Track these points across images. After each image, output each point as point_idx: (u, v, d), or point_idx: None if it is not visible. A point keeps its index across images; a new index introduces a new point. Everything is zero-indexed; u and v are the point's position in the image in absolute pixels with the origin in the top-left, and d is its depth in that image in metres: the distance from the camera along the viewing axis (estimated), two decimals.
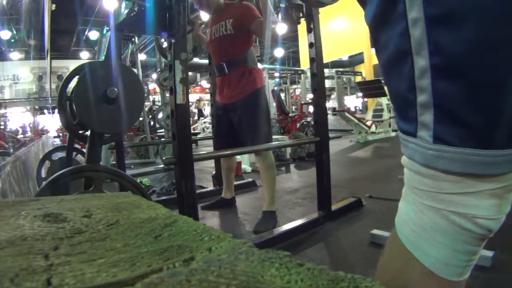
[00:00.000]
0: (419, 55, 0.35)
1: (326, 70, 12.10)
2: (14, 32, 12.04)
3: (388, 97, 7.85)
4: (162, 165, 4.33)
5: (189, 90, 1.62)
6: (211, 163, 3.70)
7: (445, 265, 0.39)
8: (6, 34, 11.63)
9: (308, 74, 2.86)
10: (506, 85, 0.33)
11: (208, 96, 13.43)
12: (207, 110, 13.64)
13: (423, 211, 0.40)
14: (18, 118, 15.53)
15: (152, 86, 10.67)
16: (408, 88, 0.38)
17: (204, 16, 2.37)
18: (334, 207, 2.08)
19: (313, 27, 1.98)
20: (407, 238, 0.42)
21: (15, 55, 15.66)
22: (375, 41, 0.43)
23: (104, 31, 8.94)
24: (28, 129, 13.31)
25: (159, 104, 6.59)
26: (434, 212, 0.39)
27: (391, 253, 0.46)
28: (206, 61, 3.03)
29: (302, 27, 2.42)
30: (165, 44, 3.96)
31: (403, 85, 0.38)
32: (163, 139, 5.13)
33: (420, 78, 0.36)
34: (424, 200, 0.40)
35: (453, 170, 0.36)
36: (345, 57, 14.42)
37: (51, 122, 14.78)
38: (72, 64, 10.39)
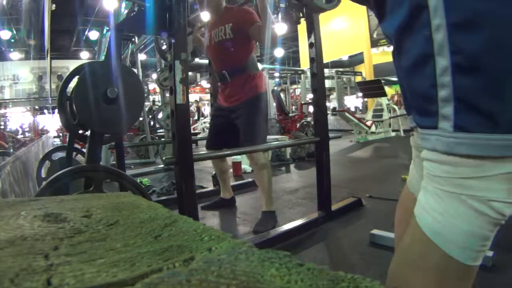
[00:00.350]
0: (440, 55, 0.41)
1: (326, 70, 12.11)
2: (14, 32, 12.03)
3: (388, 97, 7.89)
4: (162, 165, 4.33)
5: (189, 90, 1.62)
6: (211, 163, 3.70)
7: (462, 249, 0.44)
8: (6, 34, 11.62)
9: (308, 74, 2.86)
10: None
11: (208, 96, 13.42)
12: (207, 110, 13.64)
13: (443, 198, 0.45)
14: (18, 118, 15.53)
15: (152, 86, 10.68)
16: (430, 85, 0.43)
17: (204, 17, 2.35)
18: (334, 207, 2.08)
19: (313, 27, 1.98)
20: (427, 225, 0.46)
21: (15, 55, 15.66)
22: (398, 47, 0.49)
23: (104, 31, 8.94)
24: (27, 129, 13.30)
25: (159, 104, 6.58)
26: (453, 198, 0.44)
27: (411, 241, 0.50)
28: (206, 61, 3.03)
29: (302, 27, 2.42)
30: (164, 46, 3.96)
31: (425, 84, 0.44)
32: (163, 139, 5.13)
33: (441, 75, 0.42)
34: (444, 187, 0.45)
35: (473, 153, 0.41)
36: (345, 57, 14.42)
37: (51, 122, 14.77)
38: (72, 64, 10.39)
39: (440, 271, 0.45)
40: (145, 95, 5.21)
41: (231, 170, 3.68)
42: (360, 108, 16.65)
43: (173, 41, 1.45)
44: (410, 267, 0.49)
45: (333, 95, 15.22)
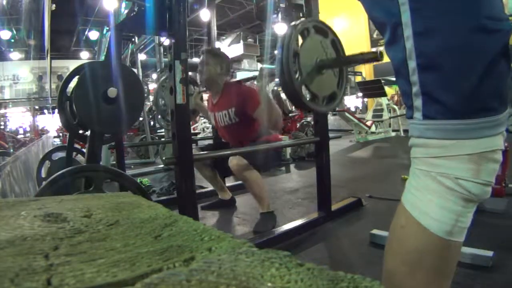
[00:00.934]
0: (410, 59, 0.51)
1: None
2: (14, 32, 12.04)
3: (388, 97, 7.88)
4: (162, 165, 4.32)
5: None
6: None
7: (435, 221, 0.49)
8: (6, 34, 11.63)
9: None
10: (468, 73, 0.47)
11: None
12: None
13: (419, 176, 0.52)
14: (18, 118, 15.54)
15: (152, 86, 10.67)
16: (407, 84, 0.52)
17: (204, 16, 2.36)
18: (334, 207, 2.08)
19: None
20: (408, 201, 0.54)
21: (15, 55, 15.68)
22: (389, 56, 0.58)
23: (104, 31, 8.93)
24: (27, 129, 13.30)
25: None
26: (426, 175, 0.51)
27: (397, 216, 0.56)
28: None
29: None
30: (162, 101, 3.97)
31: (404, 83, 0.53)
32: (163, 139, 5.13)
33: (412, 75, 0.51)
34: (420, 166, 0.52)
35: (437, 137, 0.49)
36: None
37: (51, 122, 14.77)
38: (72, 64, 10.39)
39: (418, 243, 0.51)
40: (145, 95, 5.22)
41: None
42: (360, 108, 16.63)
43: (173, 41, 1.45)
44: (395, 242, 0.56)
45: None
